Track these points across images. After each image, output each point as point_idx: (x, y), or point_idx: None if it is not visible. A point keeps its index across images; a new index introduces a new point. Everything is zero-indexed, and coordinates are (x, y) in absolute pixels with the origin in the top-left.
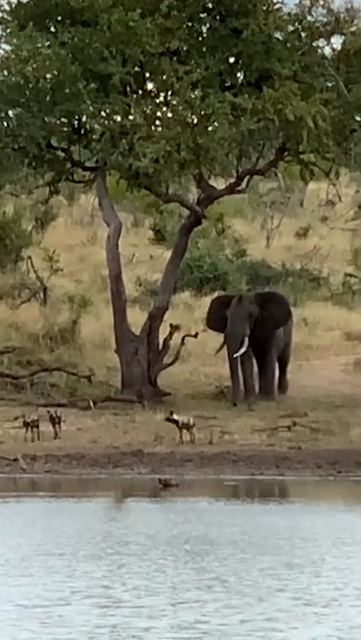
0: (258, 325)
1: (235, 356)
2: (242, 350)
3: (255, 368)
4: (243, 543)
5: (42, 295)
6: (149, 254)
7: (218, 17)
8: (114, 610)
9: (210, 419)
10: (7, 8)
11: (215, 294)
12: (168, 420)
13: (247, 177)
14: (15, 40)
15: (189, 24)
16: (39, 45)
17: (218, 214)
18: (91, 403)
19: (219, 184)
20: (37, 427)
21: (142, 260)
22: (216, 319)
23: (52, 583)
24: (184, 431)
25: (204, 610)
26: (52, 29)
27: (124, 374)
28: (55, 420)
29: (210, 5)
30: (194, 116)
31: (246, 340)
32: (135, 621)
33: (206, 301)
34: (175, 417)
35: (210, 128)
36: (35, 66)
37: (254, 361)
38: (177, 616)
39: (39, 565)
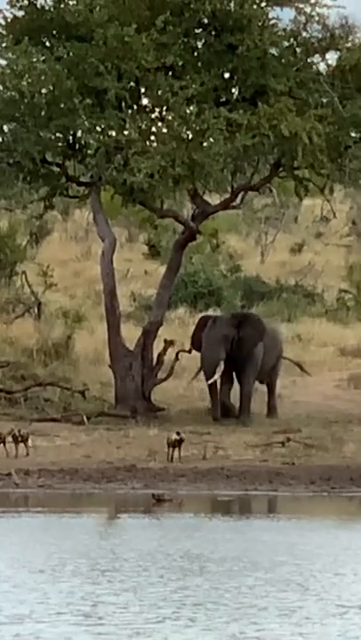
0: (235, 346)
1: (209, 382)
2: (216, 376)
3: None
4: (234, 560)
5: (36, 310)
6: (144, 269)
7: (213, 32)
8: (92, 627)
9: (204, 434)
10: (2, 22)
11: (210, 310)
12: (181, 440)
13: (242, 193)
14: (10, 55)
15: (185, 39)
16: (34, 60)
17: (212, 230)
18: (84, 418)
19: (213, 200)
20: (3, 443)
21: (137, 276)
22: (197, 341)
23: (32, 599)
24: (173, 449)
25: (190, 628)
26: (48, 44)
27: (117, 389)
28: (18, 439)
29: (205, 21)
30: (189, 132)
31: (221, 364)
32: (113, 638)
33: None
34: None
35: (205, 144)
36: (30, 81)
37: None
38: (159, 634)
39: (23, 581)
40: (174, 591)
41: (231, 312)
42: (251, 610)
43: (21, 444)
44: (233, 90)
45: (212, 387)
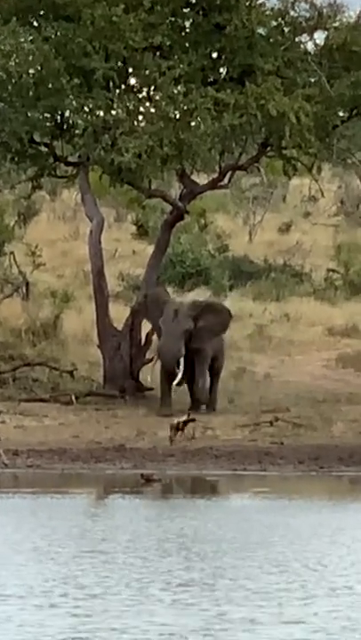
0: (193, 337)
1: (174, 384)
2: (179, 377)
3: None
4: (221, 540)
5: (24, 290)
6: (132, 249)
7: (201, 12)
8: (71, 609)
9: (192, 414)
10: None
11: (198, 289)
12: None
13: (230, 172)
14: None
15: (172, 19)
16: (22, 40)
17: (200, 209)
18: (73, 397)
19: (201, 179)
20: None
21: (125, 255)
22: (153, 316)
23: (12, 580)
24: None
25: (172, 609)
26: (35, 24)
27: (106, 369)
28: None
29: (193, 1)
30: (176, 112)
31: (182, 360)
32: (92, 621)
33: (189, 297)
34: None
35: (192, 123)
36: (17, 61)
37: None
38: (141, 616)
39: (6, 562)
40: (158, 572)
41: (193, 300)
42: (233, 591)
43: None
44: (220, 69)
45: (164, 380)
